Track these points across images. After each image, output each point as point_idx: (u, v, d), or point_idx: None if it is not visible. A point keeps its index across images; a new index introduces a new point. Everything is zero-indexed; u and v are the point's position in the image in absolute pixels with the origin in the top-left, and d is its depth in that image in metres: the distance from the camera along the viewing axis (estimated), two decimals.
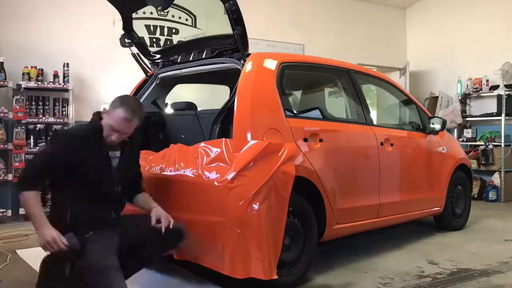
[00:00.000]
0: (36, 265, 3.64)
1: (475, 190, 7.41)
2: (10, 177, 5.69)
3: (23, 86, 5.79)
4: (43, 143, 5.90)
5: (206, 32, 6.99)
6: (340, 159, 3.70)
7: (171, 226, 2.73)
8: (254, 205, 2.82)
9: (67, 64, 6.05)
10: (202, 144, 3.13)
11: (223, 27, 3.48)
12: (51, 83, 5.98)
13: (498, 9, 7.90)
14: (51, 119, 5.97)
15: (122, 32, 4.12)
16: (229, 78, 3.85)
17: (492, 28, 7.95)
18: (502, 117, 7.42)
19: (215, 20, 7.02)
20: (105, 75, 6.53)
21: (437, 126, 4.76)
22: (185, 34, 7.03)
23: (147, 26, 6.85)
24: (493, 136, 7.65)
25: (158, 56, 4.20)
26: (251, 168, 2.88)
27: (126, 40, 4.21)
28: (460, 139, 7.91)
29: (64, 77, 6.04)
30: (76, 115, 6.18)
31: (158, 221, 2.73)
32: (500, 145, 7.49)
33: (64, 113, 6.07)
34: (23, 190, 2.50)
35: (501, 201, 7.35)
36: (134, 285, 3.33)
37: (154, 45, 6.82)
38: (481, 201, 7.40)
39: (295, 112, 3.77)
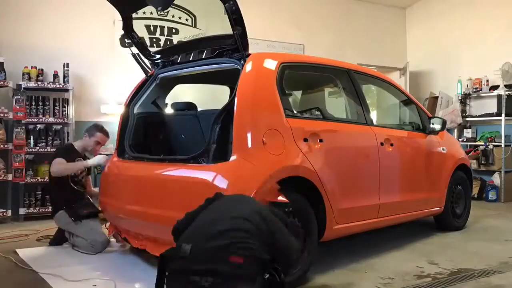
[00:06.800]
0: (36, 265, 3.67)
1: (475, 190, 7.41)
2: (10, 177, 5.68)
3: (23, 86, 5.79)
4: (43, 143, 5.91)
5: (206, 32, 6.99)
6: (340, 159, 3.70)
7: None
8: None
9: (67, 64, 6.05)
10: None
11: (223, 27, 3.48)
12: (51, 83, 5.98)
13: (498, 9, 7.90)
14: (51, 119, 5.97)
15: (122, 32, 4.12)
16: (229, 78, 3.85)
17: (492, 28, 7.95)
18: (502, 117, 7.42)
19: (215, 20, 7.02)
20: (105, 75, 6.53)
21: (437, 126, 4.76)
22: (185, 34, 7.03)
23: (147, 26, 6.85)
24: (493, 136, 7.65)
25: (158, 56, 4.20)
26: None
27: (126, 40, 4.21)
28: (460, 139, 7.91)
29: (64, 77, 6.04)
30: (76, 115, 6.18)
31: None
32: (500, 145, 7.49)
33: (64, 113, 6.06)
34: None
35: (501, 201, 7.35)
36: (135, 283, 3.35)
37: (154, 45, 6.82)
38: (481, 201, 7.40)
39: (295, 112, 3.77)
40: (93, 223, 4.22)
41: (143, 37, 4.80)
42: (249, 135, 3.14)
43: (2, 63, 5.68)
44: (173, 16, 7.03)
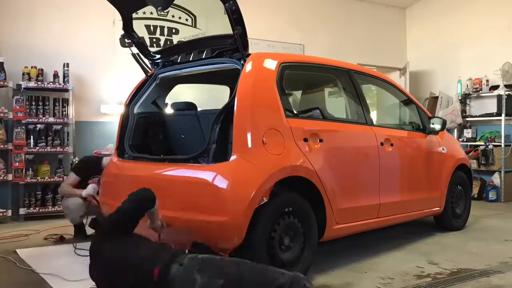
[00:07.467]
0: (36, 265, 3.66)
1: (475, 190, 7.41)
2: (10, 177, 5.68)
3: (23, 86, 5.79)
4: (43, 143, 5.91)
5: (206, 32, 6.99)
6: (340, 159, 3.70)
7: None
8: None
9: (67, 64, 6.05)
10: None
11: (223, 27, 3.48)
12: (51, 83, 5.98)
13: (498, 9, 7.91)
14: (51, 119, 5.97)
15: (122, 32, 4.12)
16: (229, 78, 3.85)
17: (492, 28, 7.95)
18: (502, 117, 7.42)
19: (215, 20, 7.02)
20: (105, 75, 6.53)
21: (437, 126, 4.76)
22: (185, 34, 7.03)
23: (147, 26, 6.85)
24: (493, 136, 7.65)
25: (158, 56, 4.20)
26: None
27: (126, 40, 4.20)
28: (460, 139, 7.91)
29: (64, 77, 6.04)
30: (76, 115, 6.18)
31: None
32: (500, 145, 7.49)
33: (64, 113, 6.06)
34: None
35: (501, 201, 7.35)
36: None
37: (154, 45, 6.82)
38: (481, 201, 7.40)
39: (295, 112, 3.77)
40: None
41: (143, 37, 4.80)
42: (249, 135, 3.14)
43: (2, 63, 5.68)
44: (173, 16, 7.03)
